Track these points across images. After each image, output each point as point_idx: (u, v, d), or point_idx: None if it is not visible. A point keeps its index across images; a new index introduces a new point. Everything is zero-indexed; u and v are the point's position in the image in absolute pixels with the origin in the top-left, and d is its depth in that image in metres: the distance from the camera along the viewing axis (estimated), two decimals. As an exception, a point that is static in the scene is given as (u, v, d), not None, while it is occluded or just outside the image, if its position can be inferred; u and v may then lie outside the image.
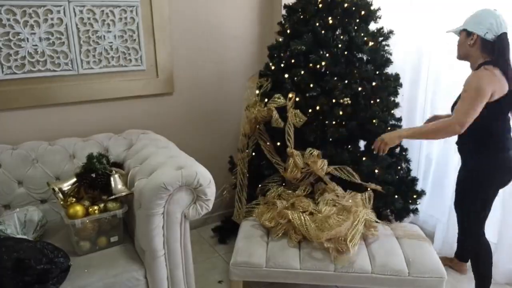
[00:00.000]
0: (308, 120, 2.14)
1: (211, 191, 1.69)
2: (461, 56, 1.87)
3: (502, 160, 1.80)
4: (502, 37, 1.72)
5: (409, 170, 2.39)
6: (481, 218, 1.93)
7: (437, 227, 2.55)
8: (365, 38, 2.14)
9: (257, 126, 2.21)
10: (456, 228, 2.44)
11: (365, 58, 2.19)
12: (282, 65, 2.26)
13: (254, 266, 1.73)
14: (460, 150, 1.98)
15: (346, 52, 2.15)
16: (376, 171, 2.17)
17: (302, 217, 1.80)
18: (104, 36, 2.21)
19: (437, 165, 2.61)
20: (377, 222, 1.95)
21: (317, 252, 1.78)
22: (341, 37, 2.11)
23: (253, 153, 2.40)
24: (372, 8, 2.17)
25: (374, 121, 2.12)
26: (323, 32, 2.12)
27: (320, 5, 2.16)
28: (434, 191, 2.64)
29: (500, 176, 1.84)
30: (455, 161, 2.37)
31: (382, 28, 2.20)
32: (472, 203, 1.91)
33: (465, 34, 1.80)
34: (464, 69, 2.25)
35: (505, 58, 1.72)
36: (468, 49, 1.80)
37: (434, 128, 1.81)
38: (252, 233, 1.88)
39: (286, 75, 2.20)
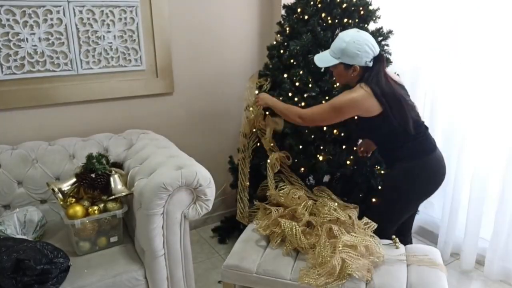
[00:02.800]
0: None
1: (211, 191, 1.70)
2: (344, 84, 1.86)
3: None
4: (380, 59, 1.72)
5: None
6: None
7: (439, 227, 2.56)
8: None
9: (257, 128, 2.20)
10: (457, 229, 2.45)
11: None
12: (282, 65, 2.26)
13: (244, 271, 1.67)
14: None
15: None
16: (376, 171, 2.18)
17: (294, 229, 1.70)
18: (103, 36, 2.21)
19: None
20: (392, 243, 1.76)
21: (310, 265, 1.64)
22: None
23: (253, 153, 2.40)
24: (371, 8, 2.17)
25: (373, 121, 2.12)
26: (322, 32, 2.12)
27: (319, 5, 2.16)
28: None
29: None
30: (455, 161, 2.38)
31: (381, 28, 2.20)
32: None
33: (343, 66, 1.75)
34: (464, 69, 2.26)
35: (378, 77, 1.70)
36: (351, 78, 1.77)
37: (285, 109, 1.93)
38: (252, 237, 1.84)
39: (285, 75, 2.21)
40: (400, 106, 1.70)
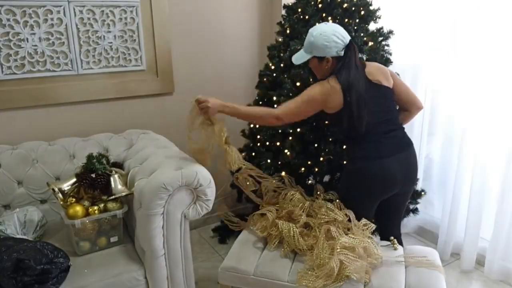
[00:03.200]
0: (308, 120, 2.14)
1: (211, 191, 1.69)
2: (322, 77, 1.81)
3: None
4: (350, 47, 1.71)
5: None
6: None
7: (439, 227, 2.55)
8: (365, 38, 2.14)
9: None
10: (457, 229, 2.45)
11: (365, 58, 2.19)
12: (282, 65, 2.26)
13: (242, 273, 1.65)
14: None
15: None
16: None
17: (291, 230, 1.69)
18: (104, 36, 2.21)
19: (437, 165, 2.61)
20: (390, 245, 1.75)
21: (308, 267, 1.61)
22: (341, 37, 2.11)
23: (253, 153, 2.40)
24: (371, 8, 2.17)
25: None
26: (323, 32, 2.11)
27: (320, 5, 2.16)
28: (435, 192, 2.64)
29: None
30: (455, 161, 2.38)
31: (382, 28, 2.20)
32: None
33: (316, 60, 1.77)
34: (465, 68, 2.26)
35: (349, 65, 1.70)
36: (326, 71, 1.76)
37: (253, 114, 1.84)
38: (249, 238, 1.82)
39: (286, 75, 2.21)
40: (358, 102, 1.68)
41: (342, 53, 1.71)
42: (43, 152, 2.02)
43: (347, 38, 1.72)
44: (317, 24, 1.79)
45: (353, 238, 1.61)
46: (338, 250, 1.55)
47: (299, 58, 1.82)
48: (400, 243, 1.96)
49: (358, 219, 1.75)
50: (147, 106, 2.47)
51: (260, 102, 2.37)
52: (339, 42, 1.70)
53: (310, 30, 1.76)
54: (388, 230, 1.96)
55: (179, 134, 2.57)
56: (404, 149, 1.80)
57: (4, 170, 1.92)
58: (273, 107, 2.24)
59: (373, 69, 1.78)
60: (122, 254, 1.75)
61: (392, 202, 1.86)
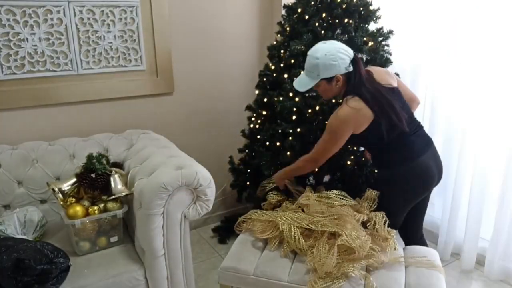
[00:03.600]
0: (308, 120, 2.14)
1: (211, 191, 1.69)
2: (333, 97, 1.84)
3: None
4: (356, 60, 1.68)
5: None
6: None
7: (439, 227, 2.56)
8: (365, 38, 2.14)
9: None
10: (457, 229, 2.45)
11: (364, 58, 2.19)
12: (282, 65, 2.26)
13: (241, 273, 1.64)
14: None
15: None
16: (376, 171, 2.18)
17: (292, 230, 1.68)
18: (104, 36, 2.21)
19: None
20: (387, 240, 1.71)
21: (309, 267, 1.60)
22: (341, 37, 2.11)
23: (253, 153, 2.41)
24: (371, 8, 2.17)
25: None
26: (322, 32, 2.12)
27: (320, 5, 2.16)
28: (435, 192, 2.64)
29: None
30: (455, 162, 2.38)
31: (381, 28, 2.20)
32: None
33: (325, 82, 1.70)
34: (465, 68, 2.26)
35: (361, 79, 1.68)
36: (337, 90, 1.72)
37: (294, 166, 1.90)
38: (249, 238, 1.81)
39: (286, 75, 2.21)
40: (390, 107, 1.66)
41: (350, 68, 1.67)
42: (43, 152, 2.02)
43: (350, 52, 1.68)
44: (315, 46, 1.71)
45: (356, 237, 1.58)
46: (338, 242, 1.55)
47: (304, 84, 1.74)
48: (425, 243, 1.98)
49: (395, 225, 1.77)
50: (147, 106, 2.47)
51: (260, 102, 2.37)
52: (345, 57, 1.65)
53: (311, 53, 1.69)
54: (415, 231, 1.98)
55: (179, 134, 2.59)
56: (431, 144, 1.82)
57: (4, 170, 1.92)
58: (273, 107, 2.25)
59: (380, 73, 1.77)
60: (122, 254, 1.75)
61: (420, 201, 1.86)
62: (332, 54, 1.64)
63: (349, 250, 1.58)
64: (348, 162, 2.12)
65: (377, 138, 1.70)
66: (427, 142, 1.81)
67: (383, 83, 1.73)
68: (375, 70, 1.78)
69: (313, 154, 1.79)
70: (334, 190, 1.83)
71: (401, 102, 1.75)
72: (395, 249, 1.66)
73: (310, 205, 1.78)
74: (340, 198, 1.79)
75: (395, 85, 1.78)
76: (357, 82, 1.67)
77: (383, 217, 1.72)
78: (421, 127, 1.83)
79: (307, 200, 1.81)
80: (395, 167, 1.77)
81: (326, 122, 2.09)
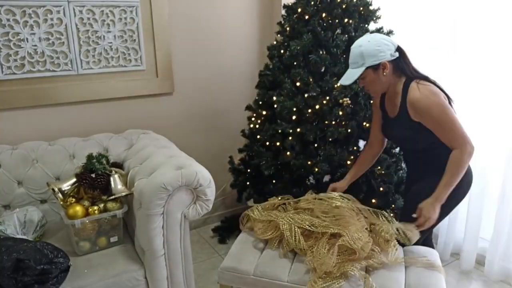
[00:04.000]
0: (308, 120, 2.14)
1: (211, 191, 1.69)
2: (381, 91, 1.72)
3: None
4: (401, 49, 1.64)
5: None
6: None
7: (439, 227, 2.55)
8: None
9: None
10: (457, 229, 2.45)
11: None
12: (282, 65, 2.26)
13: (242, 273, 1.64)
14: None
15: (345, 52, 2.15)
16: (376, 170, 2.18)
17: (293, 230, 1.66)
18: (104, 36, 2.21)
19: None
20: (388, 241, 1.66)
21: (309, 266, 1.58)
22: (341, 37, 2.11)
23: (253, 153, 2.41)
24: (371, 8, 2.18)
25: (374, 121, 2.13)
26: (322, 32, 2.12)
27: (320, 5, 2.16)
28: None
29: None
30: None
31: (381, 28, 2.20)
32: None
33: (371, 70, 1.61)
34: (464, 68, 2.26)
35: (414, 68, 1.65)
36: (385, 80, 1.64)
37: (455, 171, 1.61)
38: (249, 238, 1.81)
39: (286, 75, 2.21)
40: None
41: (396, 54, 1.61)
42: (43, 152, 2.02)
43: (395, 42, 1.63)
44: (357, 40, 1.67)
45: (358, 238, 1.56)
46: (339, 242, 1.54)
47: (350, 76, 1.64)
48: (431, 245, 1.94)
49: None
50: (147, 106, 2.47)
51: (260, 102, 2.37)
52: (390, 44, 1.61)
53: (354, 45, 1.64)
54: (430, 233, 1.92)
55: (179, 134, 2.59)
56: None
57: (4, 170, 1.92)
58: (273, 107, 2.25)
59: None
60: (122, 254, 1.75)
61: None
62: (376, 40, 1.60)
63: (350, 251, 1.58)
64: (348, 162, 2.12)
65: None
66: None
67: None
68: None
69: (457, 139, 1.57)
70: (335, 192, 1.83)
71: None
72: (396, 250, 1.65)
73: (314, 205, 1.78)
74: (342, 199, 1.78)
75: None
76: (410, 68, 1.62)
77: (386, 218, 1.71)
78: None
79: (308, 203, 1.81)
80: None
81: (326, 121, 2.09)
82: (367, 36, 1.65)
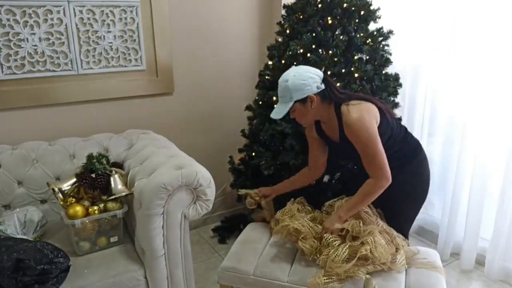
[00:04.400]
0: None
1: (211, 191, 1.69)
2: (312, 121, 1.76)
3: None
4: (326, 78, 1.68)
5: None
6: None
7: (439, 227, 2.56)
8: (365, 38, 2.14)
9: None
10: (457, 229, 2.45)
11: (364, 58, 2.19)
12: (282, 65, 2.26)
13: (241, 273, 1.64)
14: None
15: (345, 52, 2.15)
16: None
17: (306, 224, 1.67)
18: (104, 36, 2.21)
19: (437, 166, 2.61)
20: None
21: (310, 267, 1.59)
22: (341, 37, 2.11)
23: (253, 153, 2.40)
24: (371, 8, 2.17)
25: (373, 121, 2.13)
26: (322, 32, 2.12)
27: (320, 5, 2.16)
28: (435, 192, 2.64)
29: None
30: (455, 161, 2.38)
31: (381, 28, 2.20)
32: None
33: (299, 104, 1.64)
34: (465, 68, 2.26)
35: (340, 92, 1.68)
36: (315, 111, 1.67)
37: (362, 198, 1.65)
38: (249, 238, 1.81)
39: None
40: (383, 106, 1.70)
41: (322, 86, 1.64)
42: (43, 152, 2.02)
43: (319, 72, 1.67)
44: (284, 72, 1.68)
45: (380, 248, 1.54)
46: (362, 252, 1.51)
47: (280, 111, 1.68)
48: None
49: (407, 231, 1.82)
50: (147, 106, 2.47)
51: (260, 102, 2.37)
52: (315, 76, 1.64)
53: (280, 79, 1.66)
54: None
55: (179, 134, 2.59)
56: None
57: (4, 170, 1.92)
58: (272, 107, 2.24)
59: None
60: (122, 254, 1.75)
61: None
62: (301, 74, 1.62)
63: (366, 257, 1.54)
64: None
65: (390, 129, 1.70)
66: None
67: None
68: None
69: (375, 170, 1.61)
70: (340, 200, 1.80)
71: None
72: (403, 258, 1.61)
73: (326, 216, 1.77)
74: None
75: None
76: (337, 95, 1.66)
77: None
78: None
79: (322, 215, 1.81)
80: (408, 163, 1.76)
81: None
82: (292, 70, 1.66)
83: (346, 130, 1.63)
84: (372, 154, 1.60)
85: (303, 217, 1.74)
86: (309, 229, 1.67)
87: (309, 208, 1.89)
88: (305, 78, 1.62)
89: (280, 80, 1.67)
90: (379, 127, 1.63)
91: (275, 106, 1.74)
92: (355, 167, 2.18)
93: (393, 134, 1.73)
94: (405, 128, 1.83)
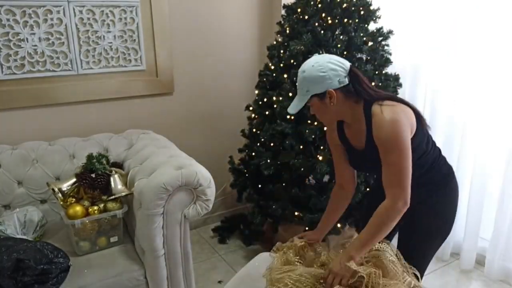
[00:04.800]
0: (308, 120, 2.14)
1: (211, 191, 1.69)
2: (333, 120, 1.48)
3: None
4: (354, 70, 1.36)
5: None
6: None
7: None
8: (365, 38, 2.14)
9: None
10: (457, 229, 2.45)
11: (364, 58, 2.19)
12: (282, 65, 2.26)
13: None
14: None
15: (345, 52, 2.15)
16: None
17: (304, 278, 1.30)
18: (103, 36, 2.21)
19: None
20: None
21: None
22: (341, 37, 2.11)
23: (253, 153, 2.41)
24: (371, 8, 2.17)
25: (373, 121, 2.12)
26: (322, 32, 2.12)
27: (320, 5, 2.16)
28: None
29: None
30: (455, 161, 2.38)
31: (381, 28, 2.20)
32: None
33: (317, 99, 1.37)
34: (465, 68, 2.26)
35: (370, 90, 1.37)
36: (336, 109, 1.37)
37: (377, 228, 1.31)
38: (253, 273, 1.53)
39: (286, 75, 2.21)
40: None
41: (346, 80, 1.34)
42: (43, 152, 2.02)
43: (346, 63, 1.36)
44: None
45: None
46: None
47: (295, 105, 1.42)
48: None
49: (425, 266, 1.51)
50: (147, 106, 2.47)
51: (260, 102, 2.37)
52: (338, 68, 1.34)
53: (300, 69, 1.42)
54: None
55: (179, 134, 2.58)
56: None
57: (4, 170, 1.92)
58: (272, 107, 2.24)
59: None
60: (122, 254, 1.75)
61: None
62: (321, 65, 1.34)
63: None
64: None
65: (425, 144, 1.42)
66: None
67: None
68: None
69: (395, 187, 1.31)
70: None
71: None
72: None
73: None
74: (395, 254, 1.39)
75: None
76: (367, 92, 1.36)
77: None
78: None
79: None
80: (447, 180, 1.49)
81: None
82: (313, 58, 1.40)
83: (375, 132, 1.33)
84: (398, 168, 1.30)
85: (299, 268, 1.38)
86: (306, 280, 1.31)
87: (311, 253, 1.53)
88: (325, 69, 1.33)
89: (299, 70, 1.43)
90: (413, 138, 1.34)
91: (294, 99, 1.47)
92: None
93: (428, 151, 1.43)
94: (439, 150, 1.53)
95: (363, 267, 1.27)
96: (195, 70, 2.60)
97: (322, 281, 1.32)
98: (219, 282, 2.24)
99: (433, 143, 1.50)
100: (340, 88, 1.35)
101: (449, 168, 1.53)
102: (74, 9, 2.09)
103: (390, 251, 1.38)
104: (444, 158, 1.54)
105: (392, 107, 1.33)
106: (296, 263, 1.47)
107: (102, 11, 2.17)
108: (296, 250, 1.53)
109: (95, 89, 2.25)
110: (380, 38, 2.18)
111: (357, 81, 1.36)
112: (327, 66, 1.34)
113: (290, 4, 2.31)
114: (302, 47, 2.10)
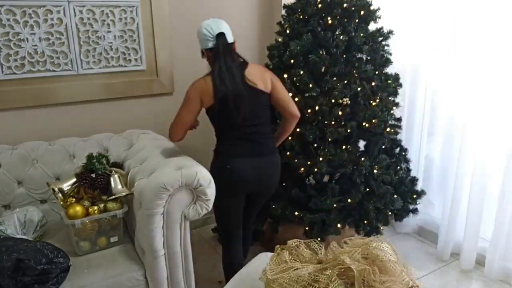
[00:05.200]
0: (308, 120, 2.14)
1: (211, 191, 1.69)
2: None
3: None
4: (218, 39, 1.71)
5: (408, 170, 2.39)
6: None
7: (439, 227, 2.56)
8: (365, 38, 2.14)
9: None
10: (457, 229, 2.45)
11: (364, 58, 2.19)
12: (282, 65, 2.26)
13: None
14: None
15: (345, 52, 2.15)
16: (375, 171, 2.18)
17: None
18: (104, 36, 2.21)
19: (437, 165, 2.61)
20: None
21: None
22: (341, 37, 2.11)
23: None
24: (371, 8, 2.17)
25: (373, 121, 2.13)
26: (322, 32, 2.12)
27: (320, 5, 2.16)
28: (435, 192, 2.64)
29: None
30: (455, 161, 2.38)
31: (381, 28, 2.20)
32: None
33: (201, 52, 1.82)
34: (465, 68, 2.26)
35: (219, 62, 1.71)
36: (209, 63, 1.80)
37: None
38: (254, 271, 1.42)
39: (286, 75, 2.21)
40: (234, 95, 1.70)
41: (210, 46, 1.72)
42: (43, 152, 2.02)
43: (216, 30, 1.70)
44: None
45: None
46: None
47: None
48: (254, 238, 2.13)
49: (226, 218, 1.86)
50: (147, 106, 2.47)
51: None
52: (207, 34, 1.70)
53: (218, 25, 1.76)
54: (244, 224, 2.02)
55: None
56: (261, 155, 1.82)
57: (4, 170, 1.92)
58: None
59: (253, 70, 1.78)
60: (122, 254, 1.75)
61: (249, 199, 1.93)
62: (199, 28, 1.74)
63: None
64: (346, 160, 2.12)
65: (212, 118, 1.82)
66: (260, 152, 1.82)
67: (247, 77, 1.74)
68: (251, 65, 1.79)
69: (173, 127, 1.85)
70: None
71: (255, 105, 1.76)
72: None
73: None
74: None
75: (262, 88, 1.77)
76: (214, 60, 1.71)
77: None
78: (264, 136, 1.83)
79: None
80: (215, 159, 1.85)
81: (326, 122, 2.09)
82: (205, 21, 1.75)
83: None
84: (179, 110, 1.82)
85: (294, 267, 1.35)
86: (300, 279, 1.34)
87: (307, 250, 1.42)
88: (200, 32, 1.74)
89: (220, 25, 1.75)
90: (208, 108, 1.78)
91: None
92: (354, 167, 2.15)
93: (216, 123, 1.86)
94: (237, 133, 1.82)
95: (358, 263, 1.24)
96: (195, 70, 2.57)
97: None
98: (219, 282, 2.24)
99: (232, 126, 1.79)
100: (206, 50, 1.75)
101: (223, 151, 1.85)
102: (74, 9, 2.09)
103: (390, 250, 1.37)
104: (228, 142, 1.85)
105: (203, 78, 1.75)
106: (291, 262, 1.45)
107: (102, 11, 2.17)
108: (290, 250, 1.50)
109: (95, 89, 2.25)
110: (380, 38, 2.18)
111: (216, 50, 1.71)
112: (201, 31, 1.74)
113: (290, 4, 2.31)
114: (301, 48, 2.10)
